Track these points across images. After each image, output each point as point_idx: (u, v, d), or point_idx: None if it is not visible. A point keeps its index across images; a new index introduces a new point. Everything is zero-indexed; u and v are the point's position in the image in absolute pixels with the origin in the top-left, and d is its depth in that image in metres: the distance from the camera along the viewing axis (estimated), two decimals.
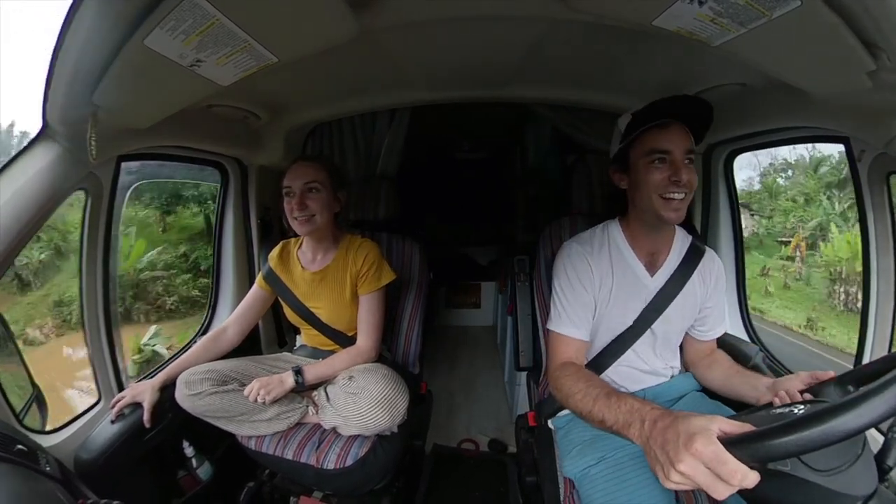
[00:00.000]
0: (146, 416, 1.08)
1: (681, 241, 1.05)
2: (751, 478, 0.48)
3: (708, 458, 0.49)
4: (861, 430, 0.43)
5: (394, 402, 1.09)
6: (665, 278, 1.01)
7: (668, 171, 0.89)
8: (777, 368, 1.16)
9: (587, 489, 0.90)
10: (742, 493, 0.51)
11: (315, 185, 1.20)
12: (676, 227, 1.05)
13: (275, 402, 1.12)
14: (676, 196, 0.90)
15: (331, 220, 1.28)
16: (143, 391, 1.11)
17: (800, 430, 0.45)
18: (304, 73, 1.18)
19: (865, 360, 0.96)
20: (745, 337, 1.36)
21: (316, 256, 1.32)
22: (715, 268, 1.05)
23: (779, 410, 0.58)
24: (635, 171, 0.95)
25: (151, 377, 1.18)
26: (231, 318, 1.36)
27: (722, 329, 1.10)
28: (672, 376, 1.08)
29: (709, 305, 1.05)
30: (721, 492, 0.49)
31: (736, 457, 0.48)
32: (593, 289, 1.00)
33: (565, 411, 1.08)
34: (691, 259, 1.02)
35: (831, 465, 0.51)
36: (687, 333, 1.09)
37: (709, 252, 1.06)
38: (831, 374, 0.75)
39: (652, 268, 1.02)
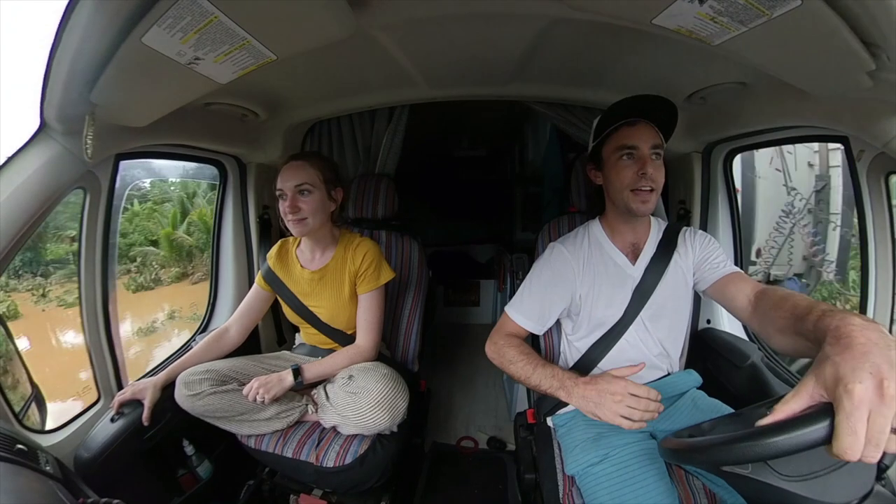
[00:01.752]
0: (146, 415, 1.08)
1: (657, 228, 1.10)
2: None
3: (620, 390, 0.79)
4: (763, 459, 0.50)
5: (394, 402, 1.09)
6: (647, 263, 1.05)
7: (636, 166, 0.95)
8: (776, 368, 1.16)
9: (590, 486, 0.91)
10: (733, 486, 0.57)
11: (306, 186, 1.18)
12: (651, 217, 1.10)
13: (274, 401, 1.12)
14: (644, 188, 0.96)
15: (326, 219, 1.26)
16: (145, 388, 1.11)
17: (713, 447, 0.53)
18: (303, 70, 1.17)
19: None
20: (743, 335, 1.36)
21: (315, 255, 1.32)
22: (692, 236, 1.07)
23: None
24: (607, 167, 1.02)
25: (153, 375, 1.18)
26: (232, 318, 1.36)
27: (729, 266, 1.00)
28: (669, 372, 1.08)
29: (705, 259, 1.02)
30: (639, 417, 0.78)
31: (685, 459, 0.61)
32: (570, 287, 1.06)
33: (565, 409, 1.09)
34: (669, 241, 1.06)
35: (803, 472, 0.52)
36: (713, 291, 0.99)
37: (683, 230, 1.09)
38: None
39: (633, 257, 1.07)
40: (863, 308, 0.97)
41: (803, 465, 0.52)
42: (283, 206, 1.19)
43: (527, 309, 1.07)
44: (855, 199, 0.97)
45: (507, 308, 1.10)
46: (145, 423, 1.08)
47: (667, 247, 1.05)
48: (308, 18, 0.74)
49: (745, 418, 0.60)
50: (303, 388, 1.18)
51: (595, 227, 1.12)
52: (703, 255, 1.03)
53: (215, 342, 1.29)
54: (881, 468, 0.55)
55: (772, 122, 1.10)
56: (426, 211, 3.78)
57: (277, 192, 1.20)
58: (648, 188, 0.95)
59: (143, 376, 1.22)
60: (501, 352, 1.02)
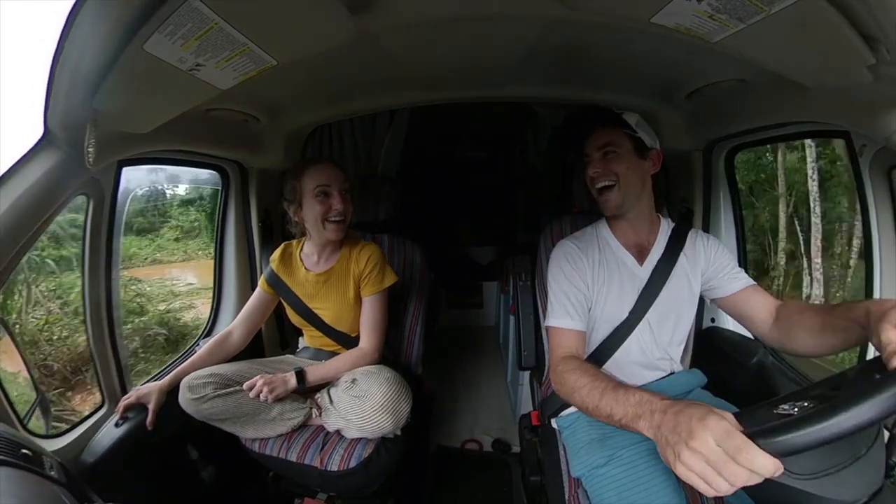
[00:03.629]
0: (150, 419, 1.08)
1: (665, 229, 1.10)
2: (759, 460, 0.47)
3: (719, 433, 0.50)
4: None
5: (397, 406, 1.09)
6: (654, 264, 1.05)
7: (591, 168, 1.05)
8: (781, 366, 1.15)
9: (596, 488, 0.90)
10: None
11: (348, 186, 1.24)
12: (661, 217, 1.12)
13: (277, 401, 1.12)
14: (598, 185, 1.03)
15: None
16: (150, 393, 1.12)
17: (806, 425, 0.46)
18: (303, 75, 1.18)
19: (870, 353, 0.95)
20: (748, 334, 1.35)
21: (320, 258, 1.32)
22: (704, 241, 1.08)
23: (778, 410, 0.58)
24: None
25: (157, 380, 1.18)
26: (235, 321, 1.36)
27: (746, 278, 1.01)
28: (672, 372, 1.07)
29: (721, 269, 1.03)
30: (728, 476, 0.49)
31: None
32: (587, 282, 1.05)
33: (569, 410, 1.09)
34: (676, 242, 1.07)
35: (812, 469, 0.51)
36: (727, 302, 1.02)
37: (692, 232, 1.09)
38: None
39: (641, 257, 1.07)
40: None
41: (812, 462, 0.52)
42: (323, 205, 1.19)
43: (567, 308, 1.00)
44: (858, 194, 0.97)
45: (547, 322, 1.04)
46: (150, 428, 1.08)
47: (674, 249, 1.06)
48: (308, 24, 0.75)
49: (757, 417, 0.58)
50: (306, 391, 1.18)
51: (603, 226, 1.13)
52: (718, 265, 1.03)
53: (218, 346, 1.30)
54: (890, 465, 0.54)
55: (773, 118, 1.10)
56: (427, 213, 3.79)
57: (321, 188, 1.19)
58: (602, 184, 1.02)
59: (147, 381, 1.22)
60: (562, 379, 0.87)
